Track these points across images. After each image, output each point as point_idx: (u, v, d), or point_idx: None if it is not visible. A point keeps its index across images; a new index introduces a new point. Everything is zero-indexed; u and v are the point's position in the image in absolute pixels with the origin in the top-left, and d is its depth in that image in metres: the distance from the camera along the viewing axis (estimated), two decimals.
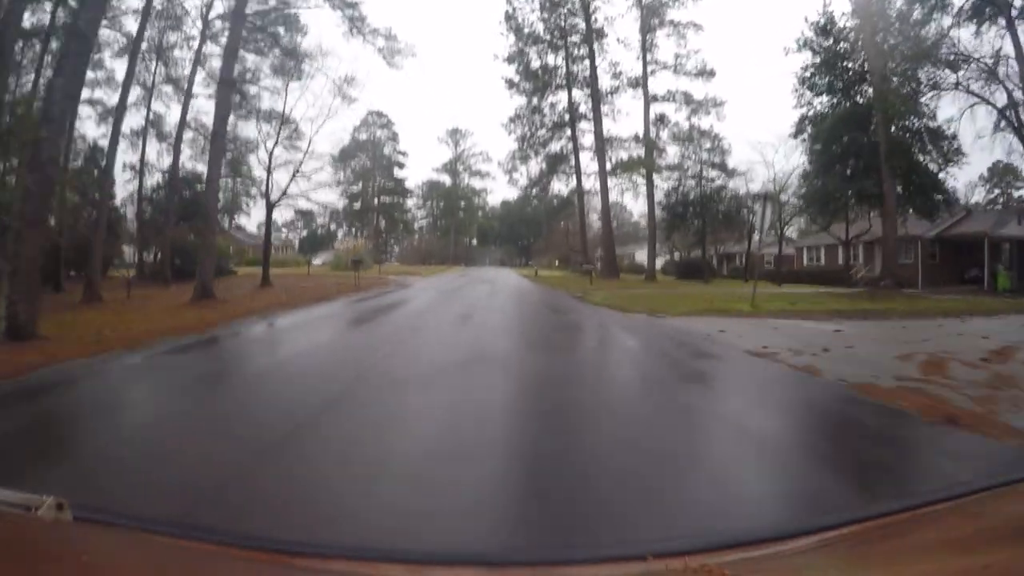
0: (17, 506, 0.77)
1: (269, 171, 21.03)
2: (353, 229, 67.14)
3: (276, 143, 21.24)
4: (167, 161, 25.07)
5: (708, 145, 30.50)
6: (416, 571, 0.81)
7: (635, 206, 47.98)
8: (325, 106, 25.03)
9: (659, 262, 56.70)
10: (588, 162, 36.55)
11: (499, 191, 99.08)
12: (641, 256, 55.00)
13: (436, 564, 0.84)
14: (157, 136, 24.83)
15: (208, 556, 0.79)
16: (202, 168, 25.02)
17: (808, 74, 20.92)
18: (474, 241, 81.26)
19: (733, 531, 1.14)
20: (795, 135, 22.35)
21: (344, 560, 0.82)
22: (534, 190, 36.86)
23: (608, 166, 31.98)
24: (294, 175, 21.40)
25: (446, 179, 72.90)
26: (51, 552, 0.74)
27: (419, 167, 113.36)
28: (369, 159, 65.31)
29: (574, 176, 35.77)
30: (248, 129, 42.36)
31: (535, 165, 35.87)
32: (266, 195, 21.09)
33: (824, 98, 20.78)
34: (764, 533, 0.88)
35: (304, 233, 60.75)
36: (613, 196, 33.72)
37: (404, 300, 16.06)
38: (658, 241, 35.76)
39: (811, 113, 21.41)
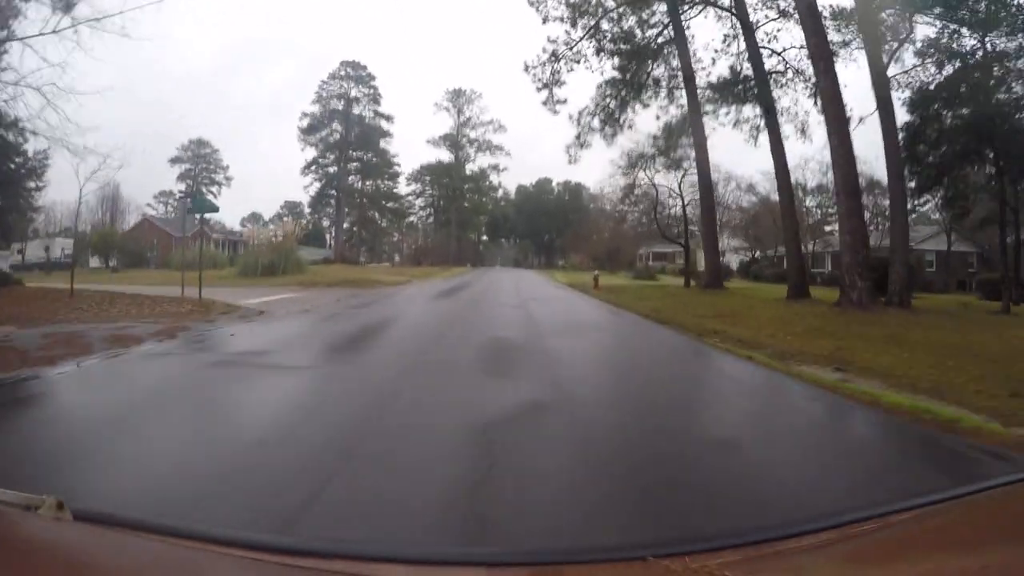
0: (17, 506, 0.77)
1: None
2: (323, 218, 50.91)
3: None
4: None
5: (981, 7, 14.12)
6: (416, 571, 0.81)
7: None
8: None
9: (726, 261, 38.31)
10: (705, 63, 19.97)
11: (515, 172, 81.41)
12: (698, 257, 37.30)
13: (436, 564, 0.84)
14: None
15: (208, 556, 0.78)
16: None
17: None
18: (484, 236, 65.03)
19: (733, 531, 1.08)
20: None
21: (344, 560, 0.80)
22: (594, 119, 18.81)
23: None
24: None
25: (446, 156, 56.35)
26: (51, 552, 0.73)
27: (413, 150, 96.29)
28: (341, 124, 48.71)
29: (662, 95, 18.98)
30: None
31: (605, 51, 18.16)
32: None
33: None
34: (764, 533, 0.86)
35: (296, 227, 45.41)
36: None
37: None
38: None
39: None
